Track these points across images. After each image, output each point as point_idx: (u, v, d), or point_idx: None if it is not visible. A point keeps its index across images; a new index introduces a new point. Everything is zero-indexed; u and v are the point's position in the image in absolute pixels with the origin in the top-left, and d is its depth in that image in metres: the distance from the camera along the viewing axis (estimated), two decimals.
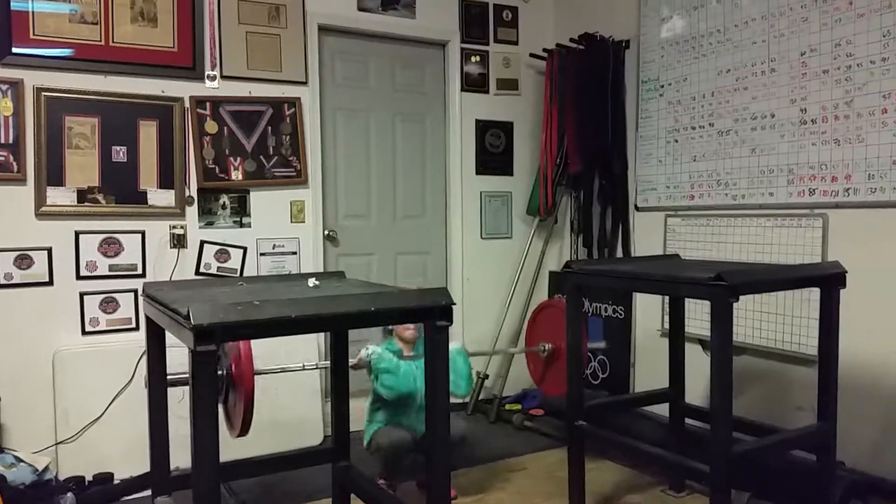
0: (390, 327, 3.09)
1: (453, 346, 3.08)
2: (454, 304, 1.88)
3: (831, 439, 2.63)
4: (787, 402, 3.27)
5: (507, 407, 4.41)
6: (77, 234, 3.43)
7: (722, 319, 2.28)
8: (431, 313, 1.83)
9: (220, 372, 2.24)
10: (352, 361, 2.78)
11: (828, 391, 2.63)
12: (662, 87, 3.99)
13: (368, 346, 2.91)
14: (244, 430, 2.27)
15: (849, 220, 3.07)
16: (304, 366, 2.74)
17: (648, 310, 4.05)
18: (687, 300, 3.30)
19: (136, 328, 3.52)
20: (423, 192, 4.49)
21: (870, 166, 2.99)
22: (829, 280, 2.56)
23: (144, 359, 3.05)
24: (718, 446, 2.31)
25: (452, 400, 4.24)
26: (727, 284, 2.24)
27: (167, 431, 2.26)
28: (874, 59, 2.96)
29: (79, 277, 3.44)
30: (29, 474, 2.87)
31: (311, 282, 2.23)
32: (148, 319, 2.16)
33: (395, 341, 3.07)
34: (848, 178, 3.07)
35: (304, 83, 3.96)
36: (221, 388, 2.31)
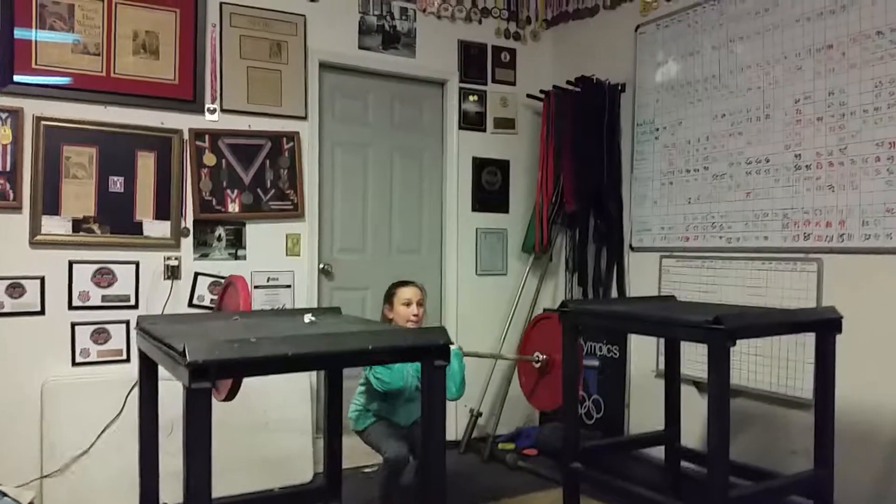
0: (390, 315, 3.09)
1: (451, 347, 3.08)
2: (452, 343, 1.87)
3: (828, 485, 2.61)
4: (782, 446, 3.25)
5: (501, 446, 4.36)
6: (71, 263, 3.40)
7: (719, 363, 2.27)
8: (429, 352, 1.81)
9: None
10: None
11: (824, 436, 2.62)
12: (658, 129, 4.04)
13: None
14: (231, 395, 2.20)
15: (843, 265, 3.09)
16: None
17: (643, 350, 4.03)
18: (682, 342, 3.29)
19: (128, 360, 3.48)
20: (420, 227, 4.50)
21: (864, 212, 3.01)
22: (825, 325, 2.57)
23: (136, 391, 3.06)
24: (716, 492, 2.28)
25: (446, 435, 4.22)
26: (725, 328, 2.24)
27: (157, 466, 2.22)
28: (867, 108, 3.01)
29: (71, 307, 3.41)
30: None
31: (307, 318, 2.22)
32: (141, 353, 2.13)
33: None
34: (842, 224, 3.10)
35: (304, 118, 3.99)
36: None
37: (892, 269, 2.91)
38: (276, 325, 2.12)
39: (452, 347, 3.08)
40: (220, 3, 3.76)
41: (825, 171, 3.18)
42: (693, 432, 3.43)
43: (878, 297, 2.94)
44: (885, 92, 2.95)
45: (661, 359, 3.70)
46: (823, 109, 3.18)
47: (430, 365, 1.83)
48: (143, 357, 2.12)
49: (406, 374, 2.98)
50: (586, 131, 4.18)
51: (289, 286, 3.94)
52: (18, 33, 3.29)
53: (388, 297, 3.15)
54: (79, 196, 3.42)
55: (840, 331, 2.59)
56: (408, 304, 3.07)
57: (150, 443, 2.17)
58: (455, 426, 4.44)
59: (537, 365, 3.14)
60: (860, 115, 3.04)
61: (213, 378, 1.51)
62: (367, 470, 3.80)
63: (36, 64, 3.33)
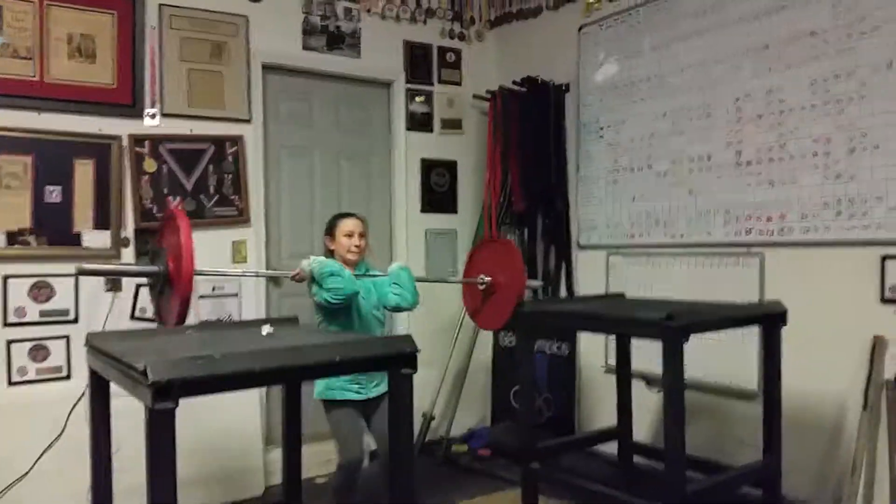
0: (332, 246, 3.01)
1: (396, 263, 3.06)
2: (419, 350, 1.85)
3: (777, 474, 2.70)
4: (731, 436, 3.34)
5: (455, 448, 4.36)
6: (5, 278, 3.25)
7: (674, 359, 2.32)
8: (397, 361, 1.79)
9: (158, 268, 2.15)
10: (292, 273, 2.75)
11: (772, 426, 2.71)
12: (602, 129, 4.10)
13: (311, 256, 2.81)
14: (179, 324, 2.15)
15: (784, 259, 3.20)
16: (243, 272, 2.64)
17: (592, 346, 4.09)
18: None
19: (68, 377, 3.35)
20: (369, 229, 4.44)
21: (802, 206, 3.13)
22: (771, 318, 2.66)
23: (80, 407, 2.94)
24: (674, 486, 2.33)
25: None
26: (678, 325, 2.29)
27: (111, 487, 2.13)
28: (804, 105, 3.13)
29: (6, 324, 3.25)
30: None
31: (265, 329, 2.16)
32: (91, 371, 2.04)
33: (337, 261, 2.93)
34: (783, 218, 3.21)
35: (248, 121, 3.90)
36: (157, 283, 2.21)
37: (831, 261, 3.03)
38: (234, 338, 2.06)
39: (398, 263, 3.08)
40: (160, 5, 3.64)
41: (765, 167, 3.28)
42: (644, 427, 3.50)
43: (818, 289, 3.05)
44: (821, 89, 3.06)
45: (611, 354, 3.76)
46: (763, 107, 3.29)
47: (396, 374, 1.81)
48: (94, 375, 2.03)
49: (355, 281, 2.83)
50: (533, 131, 4.21)
51: (235, 295, 3.84)
52: None
53: (330, 229, 3.05)
54: (13, 208, 3.27)
55: (785, 323, 2.69)
56: (349, 236, 2.99)
57: (102, 464, 2.08)
58: None
59: (482, 287, 3.14)
60: (798, 112, 3.15)
61: (175, 397, 1.45)
62: (319, 481, 3.75)
63: None
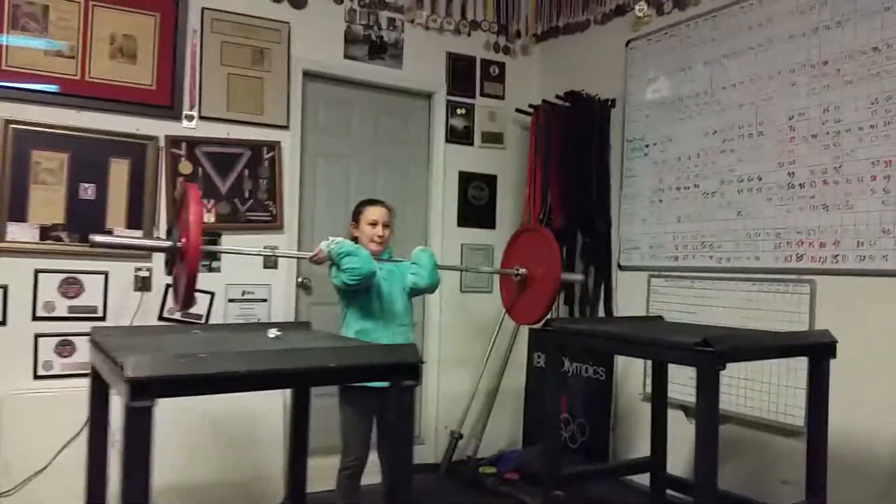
0: (356, 233, 2.94)
1: (419, 247, 2.99)
2: (423, 362, 1.75)
3: None
4: (773, 475, 3.13)
5: (482, 470, 4.21)
6: (37, 272, 3.27)
7: (708, 387, 2.16)
8: (397, 371, 1.69)
9: (171, 244, 2.15)
10: (310, 254, 2.70)
11: (817, 465, 2.51)
12: (647, 146, 3.95)
13: (329, 237, 2.74)
14: (186, 304, 2.13)
15: (837, 287, 2.99)
16: (260, 251, 2.75)
17: (630, 372, 3.92)
18: (670, 364, 3.18)
19: None
20: (403, 242, 4.37)
21: (858, 233, 2.92)
22: (819, 349, 2.46)
23: None
24: None
25: (423, 457, 4.06)
26: (714, 351, 2.13)
27: (105, 488, 2.08)
28: (862, 126, 2.93)
29: (35, 318, 3.27)
30: None
31: (272, 332, 2.09)
32: (91, 366, 2.00)
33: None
34: (836, 245, 3.00)
35: (286, 127, 3.88)
36: (171, 259, 2.23)
37: (888, 292, 2.81)
38: (237, 339, 1.99)
39: (420, 246, 3.02)
40: (202, 9, 3.66)
41: (819, 190, 3.08)
42: (680, 459, 3.31)
43: (873, 321, 2.83)
44: (882, 109, 2.86)
45: (649, 381, 3.58)
46: (818, 126, 3.09)
47: (398, 386, 1.70)
48: (95, 370, 1.98)
49: (374, 263, 2.76)
50: (575, 147, 4.08)
51: (265, 300, 3.81)
52: None
53: (356, 215, 2.98)
54: (48, 203, 3.30)
55: (834, 355, 2.49)
56: (374, 225, 2.91)
57: (98, 463, 2.02)
58: (435, 448, 4.29)
59: (517, 278, 3.01)
60: (856, 133, 2.95)
61: (152, 396, 1.37)
62: None
63: (6, 65, 3.22)
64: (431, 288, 2.93)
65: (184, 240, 2.02)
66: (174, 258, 2.19)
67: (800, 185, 3.16)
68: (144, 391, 1.37)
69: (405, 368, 1.69)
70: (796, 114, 3.19)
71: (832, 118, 3.04)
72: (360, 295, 2.76)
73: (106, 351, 1.65)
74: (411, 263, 2.90)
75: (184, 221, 2.03)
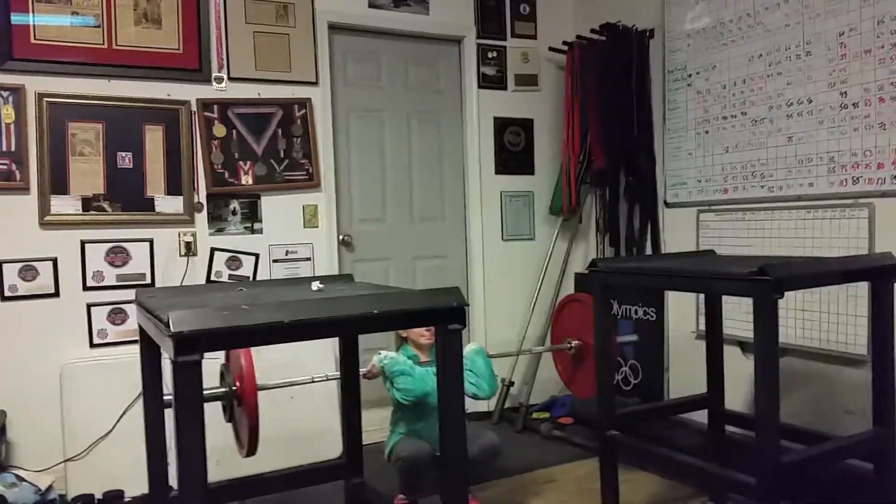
0: (404, 334, 2.93)
1: (471, 346, 2.91)
2: (467, 304, 1.71)
3: (890, 446, 2.40)
4: (836, 405, 3.03)
5: (535, 415, 4.21)
6: (83, 243, 3.32)
7: (766, 318, 2.07)
8: (442, 315, 1.65)
9: (225, 389, 2.10)
10: (364, 370, 2.63)
11: (884, 393, 2.41)
12: (690, 76, 3.78)
13: (381, 352, 2.75)
14: (251, 450, 2.12)
15: None
16: (312, 378, 2.56)
17: (682, 311, 3.83)
18: (725, 299, 3.09)
19: None
20: (441, 193, 4.32)
21: None
22: (882, 273, 2.34)
23: None
24: (765, 456, 2.10)
25: (477, 406, 4.04)
26: (771, 279, 2.04)
27: (165, 450, 2.11)
28: None
29: (85, 288, 3.33)
30: (31, 494, 2.75)
31: (315, 285, 2.07)
32: (141, 329, 2.01)
33: (410, 347, 2.90)
34: (895, 165, 2.84)
35: (315, 83, 3.83)
36: (228, 405, 2.18)
37: None
38: (279, 293, 1.98)
39: (474, 346, 2.94)
40: None
41: (874, 109, 2.91)
42: (738, 396, 3.24)
43: None
44: None
45: (702, 319, 3.49)
46: (871, 41, 2.91)
47: (444, 329, 1.67)
48: (143, 332, 2.00)
49: (430, 379, 2.75)
50: (614, 83, 3.94)
51: (308, 259, 3.81)
52: (16, 18, 3.17)
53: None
54: (87, 174, 3.33)
55: None
56: (420, 336, 2.92)
57: (155, 425, 2.05)
58: None
59: (571, 352, 2.97)
60: None
61: (198, 351, 1.36)
62: None
63: (35, 39, 3.22)
64: (490, 396, 2.92)
65: (238, 385, 2.01)
66: (231, 402, 2.16)
67: (853, 104, 2.99)
68: (190, 346, 1.36)
69: (450, 312, 1.66)
70: (847, 29, 3.00)
71: (887, 30, 2.86)
72: (413, 406, 2.79)
73: (150, 310, 1.65)
74: (467, 370, 2.78)
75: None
